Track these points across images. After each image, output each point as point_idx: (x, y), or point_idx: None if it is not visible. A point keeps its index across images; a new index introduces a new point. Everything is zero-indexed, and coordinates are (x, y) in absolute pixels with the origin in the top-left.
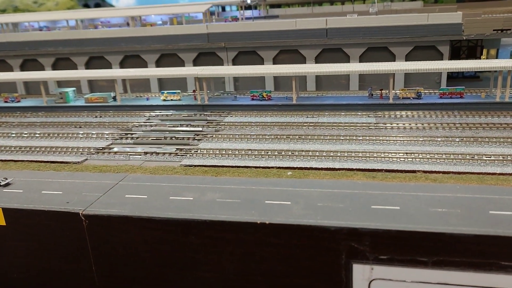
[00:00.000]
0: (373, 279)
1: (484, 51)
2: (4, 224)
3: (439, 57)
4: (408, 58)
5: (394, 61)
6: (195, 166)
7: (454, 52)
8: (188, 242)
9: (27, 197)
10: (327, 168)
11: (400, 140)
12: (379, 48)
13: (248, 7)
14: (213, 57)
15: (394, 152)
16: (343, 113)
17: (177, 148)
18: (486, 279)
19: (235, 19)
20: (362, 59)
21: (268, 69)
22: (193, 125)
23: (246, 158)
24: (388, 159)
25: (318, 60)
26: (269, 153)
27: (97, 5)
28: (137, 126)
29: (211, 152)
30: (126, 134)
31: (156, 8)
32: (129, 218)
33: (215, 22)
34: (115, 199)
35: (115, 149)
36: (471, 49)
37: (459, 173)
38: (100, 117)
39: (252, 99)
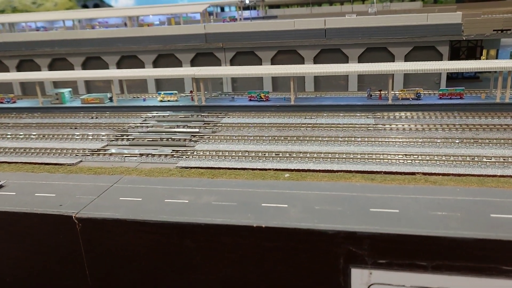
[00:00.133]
0: (372, 284)
1: (484, 52)
2: None
3: (439, 57)
4: (407, 58)
5: (393, 61)
6: (191, 168)
7: (453, 52)
8: (183, 245)
9: (19, 200)
10: (325, 170)
11: (399, 142)
12: (378, 48)
13: (247, 8)
14: (211, 58)
15: (393, 154)
16: (341, 114)
17: (173, 150)
18: (488, 284)
19: (233, 19)
20: (361, 59)
21: (266, 70)
22: (190, 126)
23: (243, 160)
24: (387, 161)
25: (316, 60)
26: (266, 154)
27: (96, 6)
28: (133, 127)
29: (208, 153)
30: (122, 135)
31: (154, 8)
32: (123, 222)
33: (213, 23)
34: (109, 201)
35: (110, 151)
36: (470, 50)
37: (459, 175)
38: (96, 118)
39: (250, 100)
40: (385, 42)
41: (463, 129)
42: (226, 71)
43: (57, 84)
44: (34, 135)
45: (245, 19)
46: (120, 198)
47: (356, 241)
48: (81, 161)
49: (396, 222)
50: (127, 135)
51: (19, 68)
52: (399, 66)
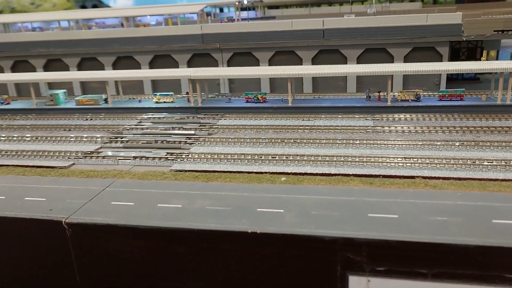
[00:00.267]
0: None
1: (484, 53)
2: None
3: (438, 58)
4: (406, 59)
5: (392, 62)
6: (186, 171)
7: (453, 53)
8: (176, 252)
9: (9, 204)
10: (322, 173)
11: (399, 144)
12: (377, 49)
13: (246, 8)
14: (208, 59)
15: (392, 157)
16: (340, 116)
17: (167, 152)
18: None
19: (231, 20)
20: (360, 60)
21: (263, 71)
22: (186, 128)
23: (238, 163)
24: (386, 164)
25: (314, 61)
26: (263, 157)
27: (95, 7)
28: (128, 129)
29: (203, 156)
30: (116, 137)
31: (150, 8)
32: (114, 227)
33: (210, 23)
34: (101, 206)
35: (104, 153)
36: (470, 51)
37: (459, 179)
38: (91, 119)
39: (247, 102)
40: (384, 43)
41: (464, 132)
42: (222, 72)
43: (52, 85)
44: (28, 137)
45: (243, 19)
46: (112, 203)
47: (354, 247)
48: (73, 164)
49: (395, 227)
50: (121, 137)
51: (14, 69)
52: (398, 67)
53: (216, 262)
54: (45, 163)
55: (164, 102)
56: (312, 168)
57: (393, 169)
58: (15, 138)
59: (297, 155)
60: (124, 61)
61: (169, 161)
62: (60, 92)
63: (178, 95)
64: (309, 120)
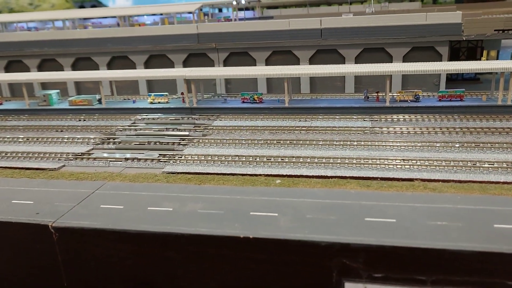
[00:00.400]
0: None
1: (484, 53)
2: None
3: (438, 58)
4: (405, 59)
5: (391, 62)
6: (178, 173)
7: (453, 53)
8: (166, 257)
9: None
10: (318, 176)
11: (397, 146)
12: (375, 49)
13: (245, 8)
14: (204, 58)
15: (390, 159)
16: (337, 117)
17: (160, 154)
18: None
19: (228, 19)
20: (358, 60)
21: (260, 71)
22: (180, 129)
23: (233, 165)
24: (383, 166)
25: (312, 61)
26: (258, 159)
27: (93, 8)
28: (121, 130)
29: (196, 158)
30: (109, 138)
31: (146, 7)
32: (102, 231)
33: (206, 22)
34: (89, 209)
35: (95, 155)
36: (470, 50)
37: (460, 181)
38: (84, 120)
39: (243, 102)
40: (382, 43)
41: (464, 133)
42: (218, 72)
43: (46, 85)
44: (21, 138)
45: (240, 19)
46: (101, 206)
47: (350, 253)
48: (63, 165)
49: (392, 232)
50: (114, 139)
51: (8, 69)
52: (397, 67)
53: (207, 267)
54: (35, 165)
55: (159, 102)
56: (308, 170)
57: (391, 171)
58: (6, 139)
59: (293, 157)
60: (119, 61)
61: (161, 163)
62: (53, 92)
63: (174, 96)
64: (306, 121)
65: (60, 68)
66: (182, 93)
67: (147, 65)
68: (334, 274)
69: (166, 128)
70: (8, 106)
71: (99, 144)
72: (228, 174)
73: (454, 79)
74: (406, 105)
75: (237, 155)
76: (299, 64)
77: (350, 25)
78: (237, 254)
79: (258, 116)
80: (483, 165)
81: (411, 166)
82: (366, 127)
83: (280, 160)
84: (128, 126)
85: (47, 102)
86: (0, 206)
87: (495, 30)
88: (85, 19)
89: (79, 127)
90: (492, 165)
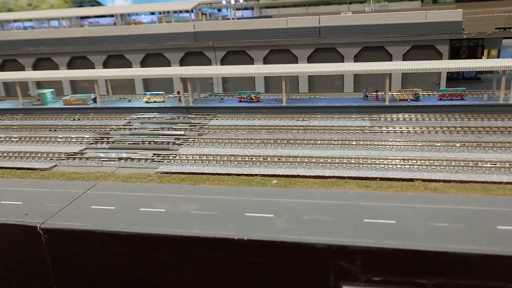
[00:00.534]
0: None
1: (485, 52)
2: None
3: (438, 57)
4: (405, 58)
5: (391, 61)
6: (172, 173)
7: (453, 52)
8: (158, 259)
9: None
10: (316, 176)
11: (397, 145)
12: (375, 47)
13: (243, 8)
14: (201, 57)
15: (390, 159)
16: (336, 116)
17: (154, 154)
18: None
19: (226, 18)
20: (357, 59)
21: (257, 69)
22: (175, 128)
23: (228, 165)
24: (383, 166)
25: (310, 60)
26: (254, 159)
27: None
28: (115, 130)
29: (191, 158)
30: (102, 138)
31: (143, 6)
32: (92, 233)
33: (204, 20)
34: (79, 210)
35: (88, 155)
36: (471, 49)
37: (461, 181)
38: (78, 120)
39: (240, 101)
40: (382, 41)
41: (465, 132)
42: (214, 70)
43: (41, 84)
44: (14, 137)
45: (238, 18)
46: (92, 207)
47: (348, 255)
48: (55, 165)
49: (392, 234)
50: (108, 138)
51: (2, 68)
52: (397, 65)
53: (199, 270)
54: (26, 164)
55: (155, 101)
56: (306, 170)
57: (391, 171)
58: (1, 139)
59: (290, 157)
60: (114, 60)
61: (155, 162)
62: (48, 91)
63: (170, 95)
64: (303, 120)
65: (55, 67)
66: (178, 92)
67: (144, 64)
68: (332, 277)
69: (161, 128)
70: (1, 106)
71: (92, 143)
72: (223, 174)
73: (454, 78)
74: (406, 104)
75: (233, 155)
76: (297, 63)
77: (349, 23)
78: (231, 256)
79: (255, 115)
80: (485, 165)
81: (411, 166)
82: (365, 127)
83: (277, 160)
84: (123, 125)
85: (41, 101)
86: None
87: (496, 28)
88: (82, 18)
89: (73, 127)
90: (494, 165)
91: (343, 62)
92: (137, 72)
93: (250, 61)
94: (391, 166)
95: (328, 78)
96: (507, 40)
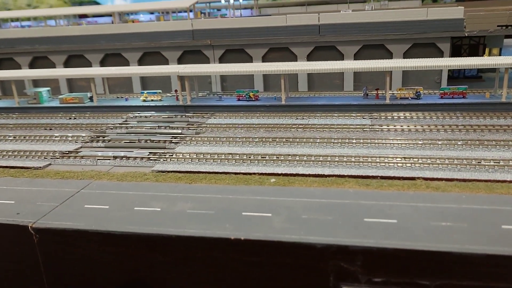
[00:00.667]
0: None
1: (486, 50)
2: None
3: (439, 55)
4: (406, 56)
5: (391, 59)
6: (168, 172)
7: (454, 50)
8: (153, 260)
9: None
10: (315, 174)
11: (398, 144)
12: (375, 45)
13: (243, 8)
14: (199, 56)
15: (390, 157)
16: (335, 115)
17: (150, 152)
18: None
19: (225, 17)
20: (357, 57)
21: (255, 67)
22: (172, 127)
23: (226, 163)
24: (384, 164)
25: (310, 58)
26: (252, 157)
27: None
28: (111, 128)
29: (188, 156)
30: (98, 136)
31: (140, 4)
32: (85, 232)
33: (202, 19)
34: (72, 209)
35: (83, 153)
36: (472, 48)
37: (464, 180)
38: (75, 118)
39: (238, 100)
40: (382, 39)
41: (467, 130)
42: (212, 68)
43: (38, 83)
44: (8, 136)
45: (236, 17)
46: (85, 206)
47: (348, 256)
48: (49, 164)
49: (393, 234)
50: (104, 137)
51: None
52: (397, 63)
53: (195, 270)
54: (19, 163)
55: (152, 100)
56: (305, 169)
57: (392, 169)
58: None
59: (289, 155)
60: (112, 58)
61: (151, 161)
62: (44, 90)
63: (168, 94)
64: (303, 118)
65: (52, 66)
66: (175, 91)
67: (141, 63)
68: (331, 278)
69: (158, 126)
70: None
71: (88, 142)
72: (220, 173)
73: (455, 77)
74: (406, 102)
75: (230, 153)
76: (296, 61)
77: (349, 21)
78: (228, 257)
79: (254, 114)
80: (489, 163)
81: (413, 165)
82: (366, 125)
83: (275, 158)
84: (120, 124)
85: (37, 100)
86: None
87: (498, 26)
88: (80, 17)
89: (69, 125)
90: (497, 163)
91: (343, 60)
92: (135, 70)
93: (249, 59)
94: (392, 164)
95: (328, 77)
96: (508, 40)
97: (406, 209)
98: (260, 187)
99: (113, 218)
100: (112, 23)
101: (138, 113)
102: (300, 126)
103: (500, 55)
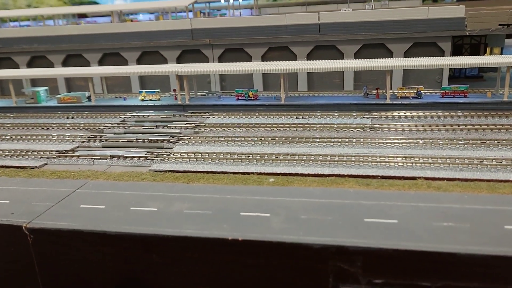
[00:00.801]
0: None
1: (488, 50)
2: None
3: (440, 54)
4: (406, 55)
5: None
6: (166, 171)
7: (456, 50)
8: (149, 260)
9: None
10: (314, 174)
11: (398, 143)
12: (375, 45)
13: (243, 8)
14: (198, 55)
15: (391, 156)
16: (335, 114)
17: (148, 152)
18: None
19: (224, 16)
20: (357, 56)
21: (254, 66)
22: (171, 126)
23: (224, 163)
24: (384, 164)
25: (310, 58)
26: (250, 157)
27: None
28: (109, 128)
29: (186, 156)
30: (95, 136)
31: (140, 4)
32: (80, 233)
33: (201, 18)
34: (68, 209)
35: (79, 153)
36: (474, 47)
37: (466, 180)
38: (72, 118)
39: (237, 99)
40: (382, 38)
41: (469, 130)
42: (211, 67)
43: (36, 83)
44: (5, 136)
45: (236, 16)
46: (81, 206)
47: (348, 257)
48: (46, 164)
49: (394, 234)
50: (101, 136)
51: None
52: (398, 62)
53: (192, 271)
54: (15, 163)
55: (150, 99)
56: (304, 169)
57: (393, 169)
58: None
59: (288, 155)
60: (110, 58)
61: (149, 161)
62: (41, 89)
63: (167, 93)
64: (302, 118)
65: (50, 65)
66: (174, 90)
67: (140, 62)
68: (331, 279)
69: (156, 126)
70: None
71: (85, 141)
72: (218, 173)
73: (456, 76)
74: (407, 101)
75: (229, 153)
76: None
77: (349, 20)
78: (225, 258)
79: (253, 113)
80: (491, 163)
81: (414, 164)
82: (366, 124)
83: (274, 157)
84: (117, 123)
85: (35, 99)
86: None
87: (499, 25)
88: (79, 17)
89: (66, 125)
90: (500, 163)
91: (343, 59)
92: (133, 69)
93: (248, 59)
94: (392, 164)
95: (328, 76)
96: (510, 40)
97: (407, 209)
98: (258, 187)
99: (109, 218)
100: (111, 22)
101: (136, 113)
102: (299, 125)
103: (501, 54)
